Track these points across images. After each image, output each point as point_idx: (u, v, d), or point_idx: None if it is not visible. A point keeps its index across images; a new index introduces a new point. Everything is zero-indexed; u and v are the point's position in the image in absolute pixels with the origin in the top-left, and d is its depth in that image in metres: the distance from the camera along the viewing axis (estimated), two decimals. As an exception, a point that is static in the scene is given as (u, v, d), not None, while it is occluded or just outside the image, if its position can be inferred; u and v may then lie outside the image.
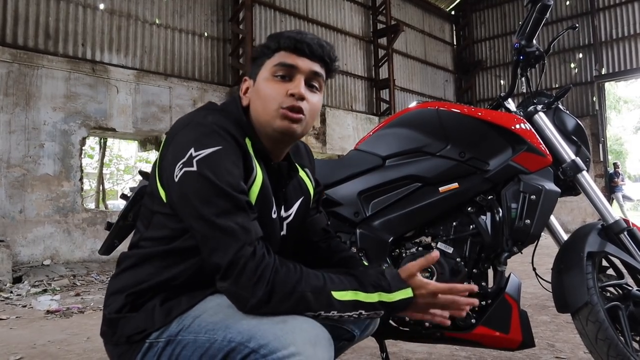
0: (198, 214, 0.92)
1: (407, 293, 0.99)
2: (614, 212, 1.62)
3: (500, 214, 1.52)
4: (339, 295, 0.95)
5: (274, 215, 1.08)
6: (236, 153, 0.97)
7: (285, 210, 1.14)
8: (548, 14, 1.59)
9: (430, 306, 1.02)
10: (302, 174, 1.21)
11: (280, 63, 1.03)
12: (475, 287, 1.05)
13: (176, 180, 0.94)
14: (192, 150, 0.94)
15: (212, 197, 0.91)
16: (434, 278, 1.47)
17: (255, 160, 1.03)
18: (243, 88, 1.10)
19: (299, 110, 1.02)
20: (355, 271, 1.03)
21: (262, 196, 1.02)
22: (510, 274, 1.55)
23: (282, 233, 1.13)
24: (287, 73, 1.03)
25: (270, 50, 1.05)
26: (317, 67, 1.05)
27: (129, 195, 1.39)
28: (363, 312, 0.97)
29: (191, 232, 0.97)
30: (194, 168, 0.92)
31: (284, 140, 1.07)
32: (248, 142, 1.03)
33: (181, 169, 0.94)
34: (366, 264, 1.27)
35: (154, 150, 8.18)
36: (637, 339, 1.55)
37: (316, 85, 1.06)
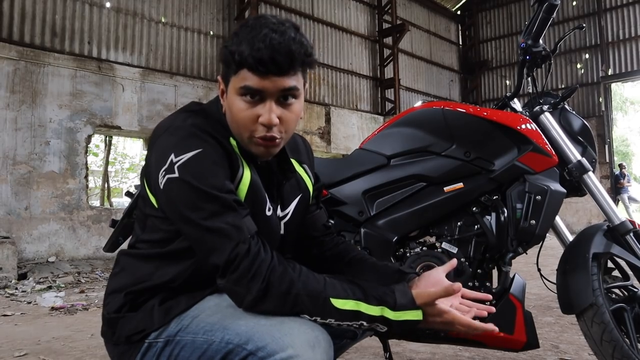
0: (187, 219, 0.91)
1: (415, 315, 0.93)
2: (620, 213, 1.61)
3: (505, 214, 1.51)
4: (340, 303, 0.92)
5: (269, 213, 1.05)
6: (218, 153, 0.94)
7: (282, 210, 1.12)
8: (555, 13, 1.58)
9: (444, 328, 0.97)
10: (300, 170, 1.18)
11: (245, 87, 0.92)
12: (495, 329, 0.96)
13: (161, 187, 0.93)
14: (172, 155, 0.92)
15: (197, 201, 0.90)
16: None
17: (243, 159, 1.01)
18: (219, 89, 1.03)
19: (272, 138, 0.97)
20: (362, 282, 0.98)
21: (251, 194, 1.00)
22: (514, 275, 1.54)
23: (280, 232, 1.11)
24: (255, 94, 0.93)
25: (233, 63, 0.93)
26: (289, 82, 0.93)
27: (133, 192, 1.39)
28: (364, 323, 0.93)
29: (184, 236, 0.97)
30: (176, 174, 0.91)
31: (264, 156, 1.03)
32: (233, 141, 1.00)
33: (164, 176, 0.92)
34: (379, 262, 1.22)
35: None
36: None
37: (291, 96, 0.96)
